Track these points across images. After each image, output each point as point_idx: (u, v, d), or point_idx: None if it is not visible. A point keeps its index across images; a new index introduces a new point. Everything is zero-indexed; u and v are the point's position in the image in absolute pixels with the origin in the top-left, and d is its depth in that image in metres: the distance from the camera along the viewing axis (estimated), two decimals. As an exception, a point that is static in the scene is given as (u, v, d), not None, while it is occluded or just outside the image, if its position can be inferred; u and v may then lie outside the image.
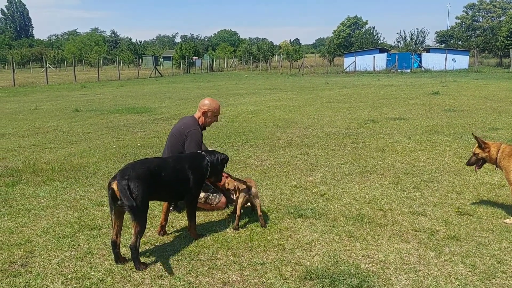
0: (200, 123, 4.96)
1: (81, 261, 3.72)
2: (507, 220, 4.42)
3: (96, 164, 7.05)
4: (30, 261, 3.72)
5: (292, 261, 3.64)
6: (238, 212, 4.37)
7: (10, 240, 4.14)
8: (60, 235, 4.25)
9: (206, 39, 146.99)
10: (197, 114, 5.01)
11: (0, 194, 5.55)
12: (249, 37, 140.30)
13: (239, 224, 4.36)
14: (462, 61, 44.25)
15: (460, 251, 3.81)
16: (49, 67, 52.94)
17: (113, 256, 3.66)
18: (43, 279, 3.41)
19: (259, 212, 4.39)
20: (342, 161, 7.00)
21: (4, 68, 71.56)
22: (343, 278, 3.34)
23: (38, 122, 12.05)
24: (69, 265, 3.65)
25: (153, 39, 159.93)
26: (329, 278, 3.34)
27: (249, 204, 4.63)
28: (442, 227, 4.32)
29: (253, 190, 4.41)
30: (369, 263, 3.60)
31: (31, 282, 3.36)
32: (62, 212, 4.90)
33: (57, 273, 3.52)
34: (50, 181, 6.11)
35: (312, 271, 3.45)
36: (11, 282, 3.37)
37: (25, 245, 4.03)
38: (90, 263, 3.68)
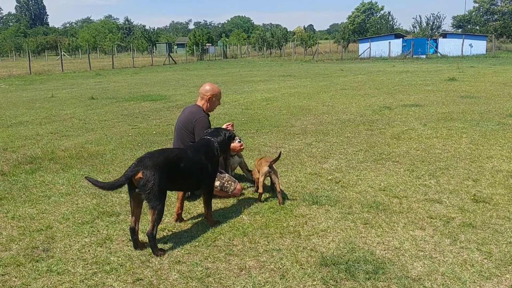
0: (204, 110, 5.02)
1: (100, 246, 3.80)
2: (524, 208, 4.40)
3: (112, 151, 7.15)
4: (51, 247, 3.81)
5: (308, 248, 3.68)
6: (260, 190, 4.74)
7: (32, 226, 4.24)
8: (79, 221, 4.35)
9: (219, 26, 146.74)
10: (200, 102, 5.05)
11: (21, 181, 5.67)
12: (263, 23, 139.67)
13: (261, 198, 4.79)
14: (479, 46, 43.50)
15: (476, 238, 3.80)
16: (64, 55, 53.34)
17: (132, 242, 3.74)
18: (64, 264, 3.50)
19: (278, 189, 4.67)
20: (357, 149, 6.99)
21: (20, 56, 72.40)
22: (358, 265, 3.38)
23: (54, 110, 12.21)
24: (89, 250, 3.74)
25: (166, 26, 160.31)
26: (344, 265, 3.37)
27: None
28: (458, 215, 4.32)
29: (273, 168, 4.73)
30: (384, 250, 3.63)
31: (53, 267, 3.46)
32: (81, 198, 5.00)
33: (78, 258, 3.60)
34: (68, 168, 6.22)
35: (327, 257, 3.49)
36: (34, 267, 3.46)
37: (46, 231, 4.13)
38: (110, 248, 3.76)
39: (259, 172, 4.83)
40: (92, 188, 5.34)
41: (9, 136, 8.61)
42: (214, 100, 5.05)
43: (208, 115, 5.12)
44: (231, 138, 4.57)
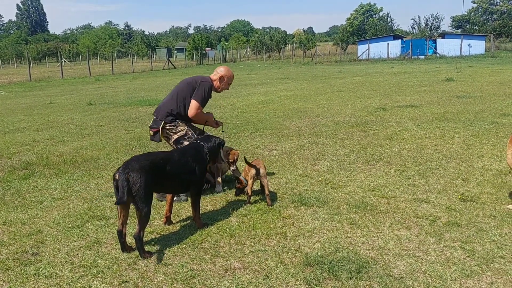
0: (214, 85, 5.18)
1: (89, 250, 3.85)
2: (510, 206, 4.43)
3: (107, 156, 7.20)
4: (40, 251, 3.86)
5: (293, 248, 3.72)
6: (249, 192, 4.77)
7: (22, 231, 4.29)
8: (70, 225, 4.40)
9: (219, 30, 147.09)
10: (213, 77, 5.21)
11: (14, 187, 5.73)
12: (262, 27, 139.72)
13: (251, 201, 4.83)
14: (478, 46, 43.52)
15: (460, 237, 3.84)
16: (65, 61, 53.54)
17: (119, 245, 3.78)
18: (52, 268, 3.55)
19: (267, 192, 4.72)
20: (349, 150, 7.03)
21: (21, 63, 72.64)
22: (341, 264, 3.41)
23: (52, 116, 12.28)
24: (77, 254, 3.78)
25: (166, 31, 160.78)
26: (328, 264, 3.41)
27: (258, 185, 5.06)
28: (444, 214, 4.35)
29: (262, 171, 4.77)
30: (369, 250, 3.66)
31: (41, 270, 3.50)
32: (72, 203, 5.05)
33: (66, 261, 3.65)
34: (62, 173, 6.28)
35: (311, 257, 3.52)
36: (22, 271, 3.51)
37: (37, 236, 4.18)
38: (98, 252, 3.81)
39: (248, 175, 4.87)
40: (84, 193, 5.40)
41: (5, 143, 8.68)
42: (225, 80, 5.22)
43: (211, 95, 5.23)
44: (221, 145, 4.64)
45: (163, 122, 4.99)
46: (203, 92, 4.99)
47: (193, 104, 4.93)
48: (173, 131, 5.01)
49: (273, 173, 5.89)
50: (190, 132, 5.04)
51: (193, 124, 5.21)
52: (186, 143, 4.92)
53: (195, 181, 4.19)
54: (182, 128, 5.02)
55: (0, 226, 4.44)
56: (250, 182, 4.77)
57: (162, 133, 5.03)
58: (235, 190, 5.11)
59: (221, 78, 5.18)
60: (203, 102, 5.01)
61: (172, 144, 5.10)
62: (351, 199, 4.84)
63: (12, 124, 11.10)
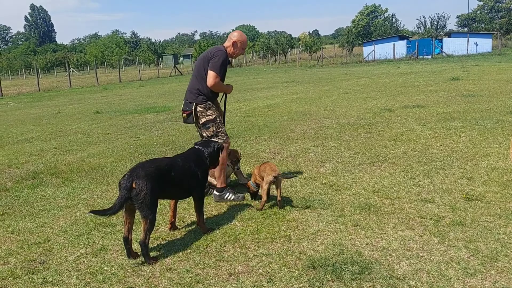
0: (228, 52, 5.22)
1: (95, 257, 3.89)
2: (515, 204, 4.41)
3: (113, 164, 7.27)
4: (48, 259, 3.91)
5: (297, 251, 3.74)
6: (264, 198, 4.71)
7: (30, 240, 4.35)
8: (76, 233, 4.45)
9: (225, 35, 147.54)
10: (227, 44, 5.27)
11: (22, 197, 5.80)
12: (268, 31, 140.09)
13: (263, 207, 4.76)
14: (485, 44, 43.32)
15: (465, 236, 3.83)
16: (73, 71, 54.05)
17: (125, 252, 3.82)
18: (59, 275, 3.60)
19: (279, 197, 4.73)
20: (354, 152, 7.03)
21: (30, 74, 73.36)
22: (345, 266, 3.42)
23: (60, 126, 12.40)
24: (84, 261, 3.83)
25: (172, 38, 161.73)
26: (331, 266, 3.42)
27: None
28: (449, 213, 4.35)
29: (279, 177, 4.75)
30: (372, 251, 3.67)
31: (48, 278, 3.55)
32: (79, 211, 5.11)
33: (72, 269, 3.70)
34: (69, 182, 6.35)
35: (315, 260, 3.54)
36: (30, 279, 3.56)
37: (44, 244, 4.23)
38: (104, 258, 3.85)
39: (262, 178, 4.84)
40: (91, 201, 5.46)
41: (14, 153, 8.78)
42: (238, 45, 5.25)
43: (230, 61, 5.31)
44: (220, 149, 4.70)
45: (194, 103, 5.12)
46: (219, 61, 5.03)
47: (211, 74, 5.00)
48: (203, 113, 5.12)
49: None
50: (218, 119, 5.16)
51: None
52: (212, 128, 5.07)
53: (198, 186, 4.24)
54: (212, 113, 5.13)
55: (9, 235, 4.51)
56: (266, 187, 4.72)
57: (194, 115, 5.15)
58: (250, 195, 5.14)
59: (234, 44, 5.22)
60: (220, 71, 5.05)
61: (200, 126, 5.20)
62: (356, 200, 4.85)
63: (21, 135, 11.23)
